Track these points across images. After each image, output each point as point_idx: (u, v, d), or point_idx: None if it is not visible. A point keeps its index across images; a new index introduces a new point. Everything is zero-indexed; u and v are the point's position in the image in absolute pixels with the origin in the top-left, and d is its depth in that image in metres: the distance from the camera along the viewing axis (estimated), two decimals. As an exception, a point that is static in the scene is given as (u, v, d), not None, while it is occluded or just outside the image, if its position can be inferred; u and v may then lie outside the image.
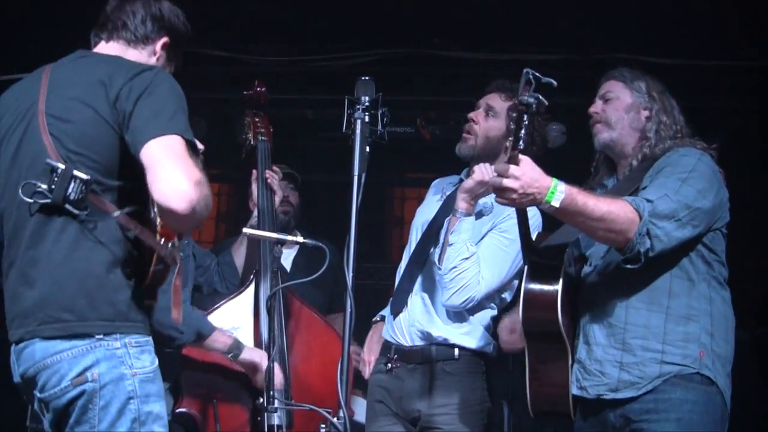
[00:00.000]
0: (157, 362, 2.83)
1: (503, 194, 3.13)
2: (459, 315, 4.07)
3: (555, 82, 3.09)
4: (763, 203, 6.54)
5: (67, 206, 2.72)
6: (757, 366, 6.31)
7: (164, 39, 3.10)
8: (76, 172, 2.71)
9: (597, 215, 3.14)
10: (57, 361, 2.71)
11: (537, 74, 3.08)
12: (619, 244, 3.21)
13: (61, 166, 2.72)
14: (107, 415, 2.71)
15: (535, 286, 3.39)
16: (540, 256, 3.43)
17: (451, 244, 3.95)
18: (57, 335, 2.71)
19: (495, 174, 3.16)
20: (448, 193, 4.26)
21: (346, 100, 3.50)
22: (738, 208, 6.21)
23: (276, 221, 4.44)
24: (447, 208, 4.14)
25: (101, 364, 2.71)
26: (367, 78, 3.54)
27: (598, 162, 3.70)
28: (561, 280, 3.35)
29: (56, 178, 2.72)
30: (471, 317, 4.07)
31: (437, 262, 4.01)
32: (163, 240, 2.76)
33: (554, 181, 3.12)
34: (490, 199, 3.97)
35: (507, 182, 3.09)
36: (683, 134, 3.51)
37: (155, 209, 2.73)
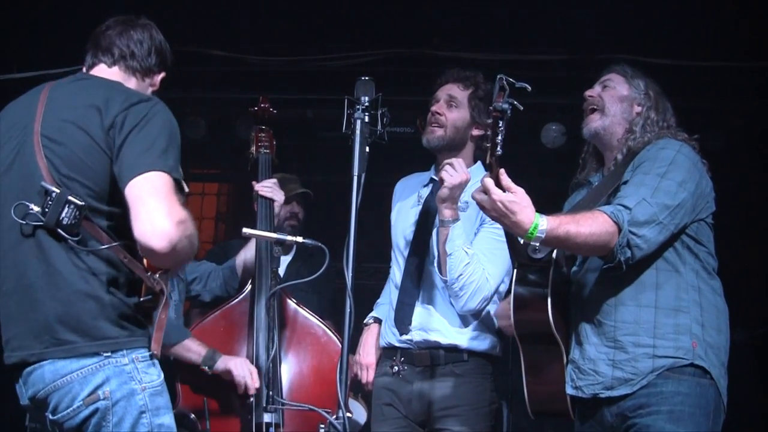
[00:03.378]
0: (163, 375, 2.85)
1: (481, 200, 3.16)
2: (465, 319, 4.07)
3: (529, 87, 3.08)
4: (762, 203, 6.55)
5: (60, 231, 2.72)
6: (755, 366, 6.31)
7: (163, 74, 3.14)
8: (70, 197, 2.72)
9: (579, 240, 3.17)
10: (68, 382, 2.72)
11: (510, 79, 3.07)
12: (600, 254, 3.25)
13: (56, 189, 2.73)
14: (121, 431, 2.73)
15: (525, 289, 3.41)
16: (528, 259, 3.44)
17: (450, 254, 3.93)
18: (66, 357, 2.72)
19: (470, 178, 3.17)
20: (424, 196, 4.25)
21: (345, 101, 3.50)
22: (737, 207, 6.22)
23: (274, 229, 4.44)
24: (428, 214, 4.15)
25: (111, 381, 2.73)
26: (366, 78, 3.54)
27: (586, 154, 3.70)
28: (550, 282, 3.36)
29: (50, 202, 2.72)
30: (477, 320, 4.08)
31: (440, 274, 4.00)
32: (149, 272, 2.79)
33: (536, 220, 3.11)
34: (466, 196, 3.96)
35: (482, 198, 3.13)
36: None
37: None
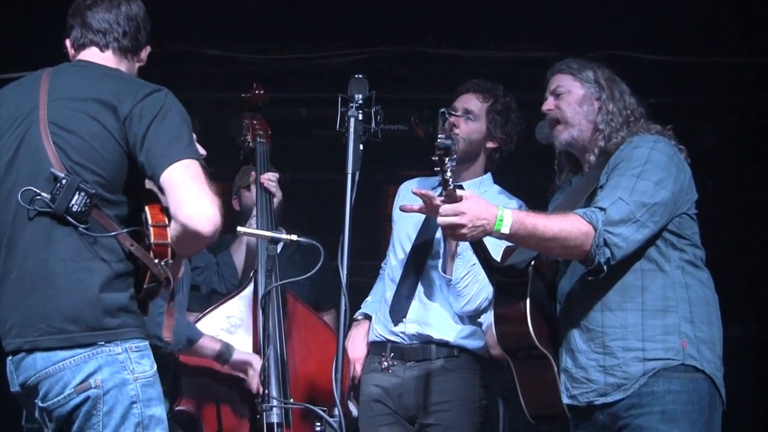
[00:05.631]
0: (156, 367, 2.84)
1: (454, 231, 3.14)
2: (461, 319, 4.10)
3: (472, 117, 3.05)
4: (756, 200, 6.56)
5: (69, 218, 2.71)
6: (749, 362, 6.32)
7: (149, 48, 3.11)
8: (82, 185, 2.71)
9: (549, 235, 3.13)
10: (59, 370, 2.71)
11: (453, 112, 3.07)
12: (578, 258, 3.21)
13: (66, 176, 2.72)
14: (111, 420, 2.72)
15: (504, 304, 3.41)
16: (505, 275, 3.43)
17: (460, 254, 3.97)
18: (60, 346, 2.71)
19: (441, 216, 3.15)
20: None
21: (339, 99, 3.50)
22: (730, 203, 6.23)
23: (274, 223, 4.43)
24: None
25: (104, 370, 2.72)
26: (360, 76, 3.54)
27: (560, 159, 3.65)
28: (528, 295, 3.33)
29: (60, 188, 2.71)
30: (472, 322, 4.11)
31: (445, 274, 4.03)
32: (156, 259, 2.78)
33: (500, 209, 3.12)
34: None
35: (455, 220, 3.10)
36: (636, 117, 3.45)
37: (151, 228, 2.75)
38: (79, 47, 3.03)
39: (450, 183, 3.10)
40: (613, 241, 3.14)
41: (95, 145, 2.77)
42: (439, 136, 3.07)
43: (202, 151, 3.95)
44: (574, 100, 3.50)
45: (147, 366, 2.80)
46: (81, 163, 2.76)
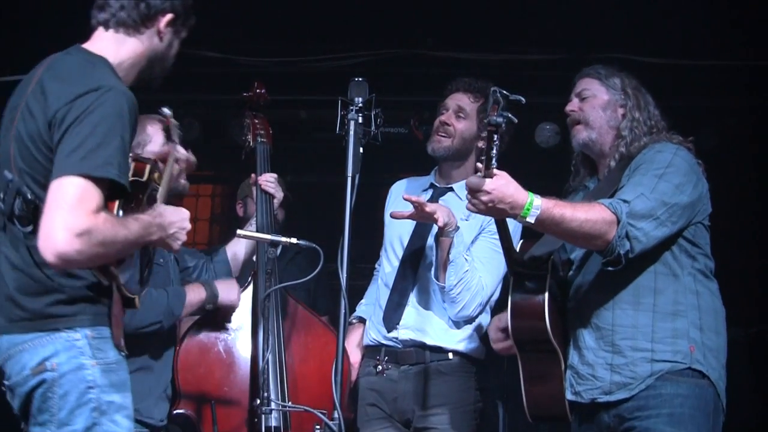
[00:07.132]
0: (120, 356, 2.82)
1: (474, 205, 3.13)
2: (456, 324, 4.09)
3: (523, 99, 3.07)
4: (756, 202, 6.56)
5: (14, 219, 2.72)
6: (749, 365, 6.32)
7: (168, 15, 2.94)
8: (22, 189, 2.70)
9: (575, 224, 3.14)
10: (19, 352, 2.74)
11: (504, 92, 3.06)
12: (599, 248, 3.22)
13: (13, 179, 2.72)
14: (66, 404, 2.72)
15: (522, 297, 3.40)
16: (525, 267, 3.43)
17: (452, 261, 3.95)
18: (22, 331, 2.74)
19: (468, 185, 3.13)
20: (424, 200, 4.25)
21: (339, 101, 3.50)
22: (731, 206, 6.22)
23: (273, 225, 4.42)
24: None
25: (60, 355, 2.72)
26: (360, 79, 3.55)
27: (576, 161, 3.68)
28: (547, 289, 3.36)
29: (8, 191, 2.72)
30: (467, 326, 4.10)
31: (438, 281, 4.02)
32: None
33: (530, 196, 3.11)
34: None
35: (478, 195, 3.09)
36: (658, 128, 3.49)
37: None
38: (92, 30, 2.93)
39: (493, 161, 3.08)
40: (634, 234, 3.16)
41: (33, 151, 2.72)
42: (490, 113, 3.05)
43: (184, 152, 3.94)
44: (598, 104, 3.53)
45: (108, 352, 2.78)
46: (23, 168, 2.74)
